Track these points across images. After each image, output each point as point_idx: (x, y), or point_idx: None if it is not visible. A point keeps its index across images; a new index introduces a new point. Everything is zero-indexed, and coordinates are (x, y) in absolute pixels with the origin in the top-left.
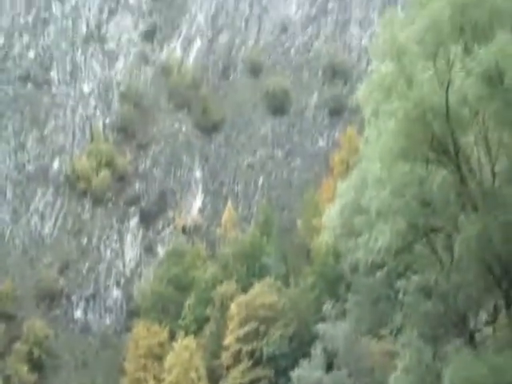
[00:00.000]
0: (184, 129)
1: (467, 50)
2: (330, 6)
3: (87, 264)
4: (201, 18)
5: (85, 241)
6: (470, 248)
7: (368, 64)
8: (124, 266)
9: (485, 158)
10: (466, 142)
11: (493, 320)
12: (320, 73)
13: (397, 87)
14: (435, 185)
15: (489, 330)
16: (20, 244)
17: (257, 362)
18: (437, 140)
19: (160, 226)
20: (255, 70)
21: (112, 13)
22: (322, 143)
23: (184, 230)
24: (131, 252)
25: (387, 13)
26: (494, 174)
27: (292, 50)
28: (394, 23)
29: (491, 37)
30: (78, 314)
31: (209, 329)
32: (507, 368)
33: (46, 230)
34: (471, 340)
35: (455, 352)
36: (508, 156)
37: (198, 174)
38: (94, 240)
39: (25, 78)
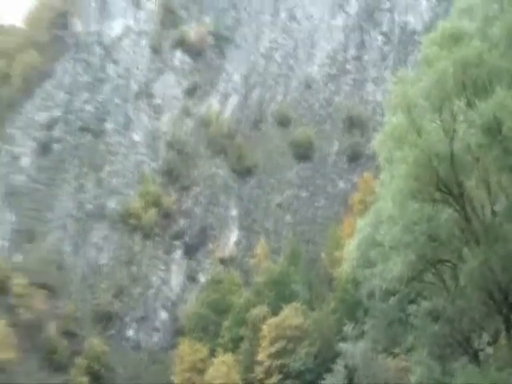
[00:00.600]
0: (221, 172)
1: (469, 104)
2: (348, 66)
3: (138, 290)
4: (236, 76)
5: (136, 270)
6: (473, 277)
7: (382, 116)
8: (170, 291)
9: (486, 199)
10: (469, 185)
11: (494, 341)
12: (340, 124)
13: (407, 136)
14: (441, 222)
15: (491, 350)
16: (80, 272)
17: (286, 376)
18: (443, 183)
19: (201, 257)
20: (283, 122)
21: (159, 72)
22: (342, 185)
23: (222, 260)
24: (176, 279)
25: (398, 72)
26: (494, 213)
27: (315, 105)
28: (404, 81)
29: (490, 92)
30: (130, 333)
31: (243, 347)
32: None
33: (102, 260)
34: (475, 358)
35: (461, 369)
36: (507, 197)
37: (233, 212)
38: (144, 269)
39: (84, 129)
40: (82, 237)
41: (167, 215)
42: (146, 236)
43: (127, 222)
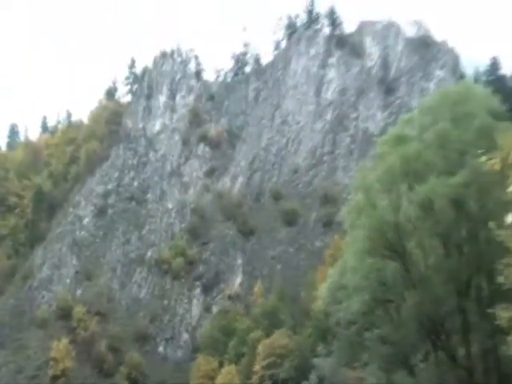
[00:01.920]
0: (231, 233)
1: (410, 188)
2: (324, 158)
3: (167, 317)
4: (243, 163)
5: (166, 302)
6: (410, 313)
7: (348, 194)
8: (191, 318)
9: (421, 256)
10: (410, 245)
11: (425, 359)
12: (318, 199)
13: (365, 210)
14: (388, 272)
15: (423, 365)
16: (125, 304)
17: (274, 383)
18: (390, 244)
19: (214, 294)
20: (277, 197)
21: (187, 159)
22: (318, 244)
23: (229, 297)
24: (195, 310)
25: (360, 163)
26: (426, 267)
27: (300, 185)
28: (364, 169)
29: (425, 180)
30: (161, 349)
31: (244, 360)
32: None
33: (142, 295)
34: (411, 371)
35: (401, 379)
36: (436, 255)
37: (239, 261)
38: (172, 302)
39: (131, 199)
40: (127, 277)
41: (190, 263)
42: (175, 278)
43: (161, 267)
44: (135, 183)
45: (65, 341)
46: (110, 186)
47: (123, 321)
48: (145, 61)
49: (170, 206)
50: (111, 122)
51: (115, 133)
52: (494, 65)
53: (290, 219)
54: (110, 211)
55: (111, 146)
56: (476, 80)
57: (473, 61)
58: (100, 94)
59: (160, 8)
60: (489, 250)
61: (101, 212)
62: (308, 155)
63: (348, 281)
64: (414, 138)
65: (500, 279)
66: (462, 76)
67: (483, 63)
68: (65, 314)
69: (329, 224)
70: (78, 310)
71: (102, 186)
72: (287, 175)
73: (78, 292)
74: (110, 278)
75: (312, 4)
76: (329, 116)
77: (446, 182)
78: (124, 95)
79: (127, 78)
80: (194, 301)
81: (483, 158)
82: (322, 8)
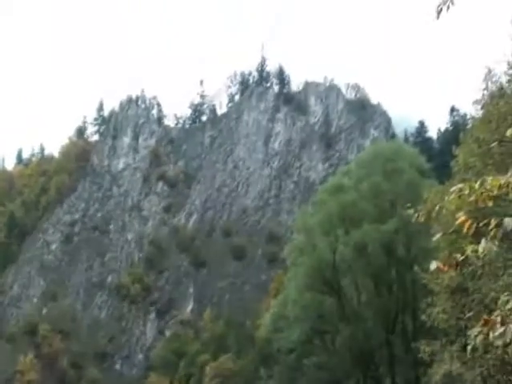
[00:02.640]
0: (184, 264)
1: (347, 232)
2: (270, 200)
3: (124, 338)
4: (197, 201)
5: (124, 324)
6: (344, 343)
7: (291, 235)
8: (146, 340)
9: (355, 293)
10: (345, 283)
11: None
12: (264, 238)
13: (306, 249)
14: (325, 306)
15: None
16: (86, 324)
17: None
18: (327, 280)
19: (168, 319)
20: (227, 233)
21: (146, 195)
22: (263, 278)
23: (181, 322)
24: (150, 332)
25: (302, 207)
26: (359, 302)
27: (248, 224)
28: (306, 213)
29: (360, 225)
30: (118, 366)
31: (193, 380)
32: None
33: (102, 316)
34: None
35: None
36: (367, 293)
37: (191, 290)
38: (129, 324)
39: (95, 228)
40: (89, 300)
41: (147, 289)
42: (132, 302)
43: (120, 292)
44: (99, 214)
45: (30, 355)
46: (76, 216)
47: (84, 339)
48: (112, 103)
49: (129, 236)
50: (80, 157)
51: (83, 168)
52: (422, 127)
53: (238, 254)
54: (75, 239)
55: (79, 179)
56: (405, 140)
57: (403, 120)
58: (70, 131)
59: (129, 55)
60: (414, 290)
61: (67, 239)
62: (256, 197)
63: (289, 312)
64: (351, 187)
65: (423, 317)
66: (393, 136)
67: (412, 124)
68: (31, 330)
69: (273, 260)
70: (44, 328)
71: (69, 216)
72: (237, 214)
73: (44, 311)
74: (73, 299)
75: (263, 63)
76: (275, 164)
77: (378, 229)
78: (92, 134)
79: (96, 120)
80: (149, 324)
81: (410, 210)
82: (272, 66)
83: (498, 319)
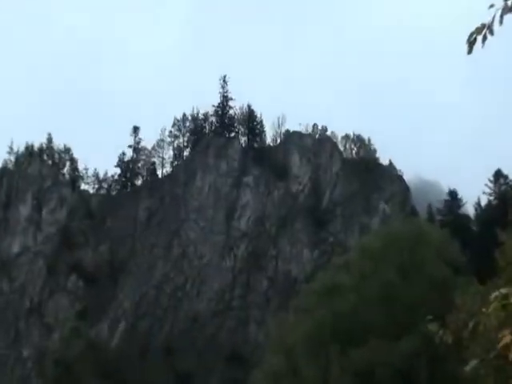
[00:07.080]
0: None
1: (343, 352)
2: (233, 304)
3: None
4: (126, 304)
5: None
6: None
7: (263, 354)
8: None
9: None
10: None
11: None
12: (222, 358)
13: (286, 377)
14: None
15: None
16: None
17: None
18: None
19: None
20: (168, 353)
21: (52, 293)
22: None
23: None
24: None
25: (280, 315)
26: None
27: (200, 338)
28: (284, 324)
29: (364, 342)
30: None
31: None
32: None
33: None
34: None
35: None
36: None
37: None
38: None
39: None
40: None
41: None
42: None
43: None
44: None
45: None
46: None
47: None
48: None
49: (25, 353)
50: None
51: None
52: (453, 200)
53: (184, 382)
54: None
55: None
56: (429, 218)
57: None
58: None
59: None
60: None
61: None
62: (213, 300)
63: None
64: (351, 288)
65: None
66: (412, 212)
67: (438, 195)
68: None
69: None
70: None
71: None
72: (184, 324)
73: None
74: None
75: (224, 103)
76: (241, 251)
77: (390, 348)
78: None
79: None
80: None
81: (433, 325)
82: (238, 106)
83: None
